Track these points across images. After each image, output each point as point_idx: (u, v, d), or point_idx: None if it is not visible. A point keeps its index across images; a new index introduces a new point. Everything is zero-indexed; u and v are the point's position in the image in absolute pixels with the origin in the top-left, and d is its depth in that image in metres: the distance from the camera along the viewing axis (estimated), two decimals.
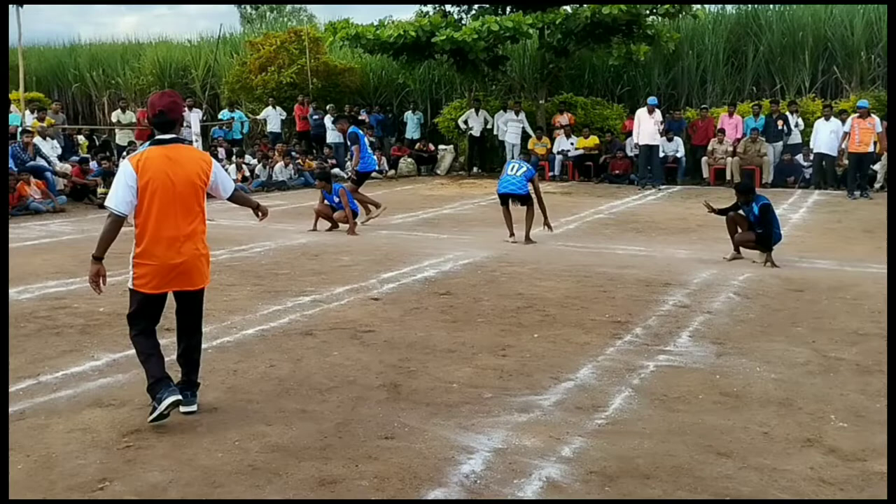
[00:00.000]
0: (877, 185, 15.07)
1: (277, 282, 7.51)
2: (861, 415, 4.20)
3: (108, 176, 13.82)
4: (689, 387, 4.64)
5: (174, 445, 3.81)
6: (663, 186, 16.14)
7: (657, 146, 16.01)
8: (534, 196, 9.57)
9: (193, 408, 4.20)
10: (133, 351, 5.20)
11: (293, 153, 17.65)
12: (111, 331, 5.78)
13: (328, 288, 7.19)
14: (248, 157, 17.38)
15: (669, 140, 16.67)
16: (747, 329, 5.89)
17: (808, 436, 3.95)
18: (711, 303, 6.68)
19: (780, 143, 16.46)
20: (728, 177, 16.11)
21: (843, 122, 14.76)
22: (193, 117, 12.84)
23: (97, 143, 19.16)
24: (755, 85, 19.24)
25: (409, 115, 20.55)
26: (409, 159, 19.56)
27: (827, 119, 15.17)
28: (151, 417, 4.00)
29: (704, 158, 16.96)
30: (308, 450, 3.76)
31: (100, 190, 13.63)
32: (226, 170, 15.91)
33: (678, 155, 16.97)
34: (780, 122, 16.34)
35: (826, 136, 15.16)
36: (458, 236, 10.31)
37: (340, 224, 10.60)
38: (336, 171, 18.14)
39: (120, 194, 4.00)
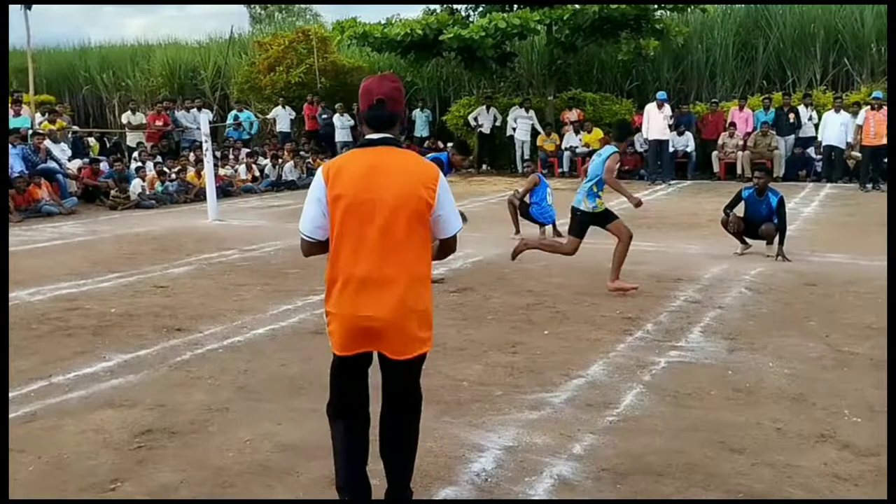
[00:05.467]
0: None
1: (287, 281, 7.52)
2: (875, 409, 4.16)
3: (119, 178, 13.89)
4: (701, 383, 4.61)
5: (185, 446, 3.81)
6: (673, 181, 16.06)
7: (667, 141, 15.96)
8: None
9: None
10: (145, 351, 5.29)
11: (303, 153, 17.68)
12: (123, 332, 5.80)
13: None
14: (259, 158, 17.41)
15: (680, 134, 16.59)
16: (759, 324, 5.85)
17: (822, 431, 3.92)
18: (723, 298, 6.64)
19: (792, 136, 16.36)
20: (739, 171, 16.02)
21: (855, 114, 14.66)
22: (203, 118, 12.97)
23: (108, 144, 19.22)
24: (765, 78, 19.11)
25: (417, 112, 20.50)
26: None
27: (837, 111, 15.09)
28: None
29: (715, 153, 16.87)
30: (319, 449, 3.74)
31: (112, 192, 13.67)
32: (235, 171, 16.35)
33: (688, 150, 16.88)
34: (791, 116, 16.25)
35: (835, 128, 15.11)
36: (467, 234, 10.21)
37: None
38: None
39: (309, 212, 3.02)
